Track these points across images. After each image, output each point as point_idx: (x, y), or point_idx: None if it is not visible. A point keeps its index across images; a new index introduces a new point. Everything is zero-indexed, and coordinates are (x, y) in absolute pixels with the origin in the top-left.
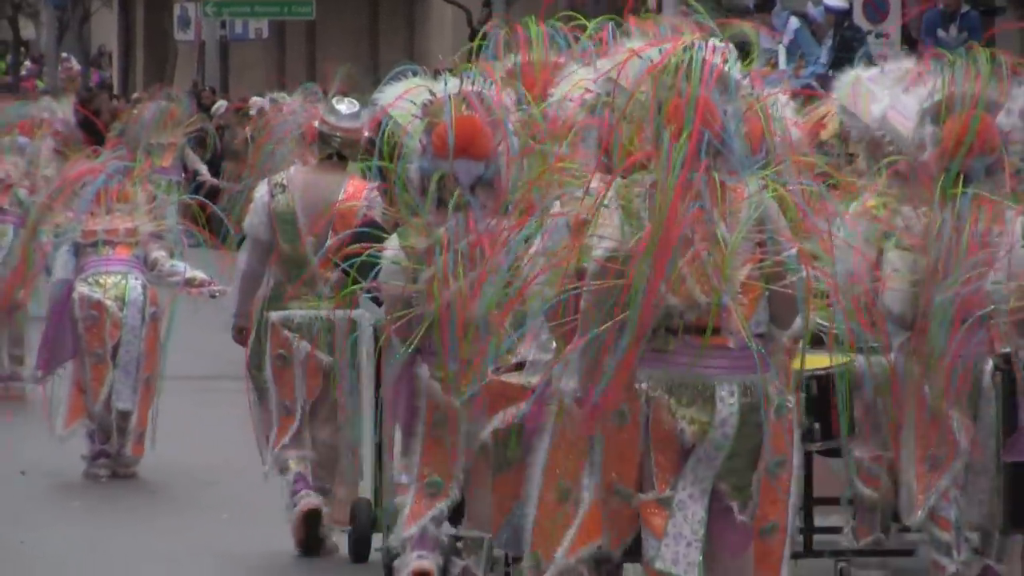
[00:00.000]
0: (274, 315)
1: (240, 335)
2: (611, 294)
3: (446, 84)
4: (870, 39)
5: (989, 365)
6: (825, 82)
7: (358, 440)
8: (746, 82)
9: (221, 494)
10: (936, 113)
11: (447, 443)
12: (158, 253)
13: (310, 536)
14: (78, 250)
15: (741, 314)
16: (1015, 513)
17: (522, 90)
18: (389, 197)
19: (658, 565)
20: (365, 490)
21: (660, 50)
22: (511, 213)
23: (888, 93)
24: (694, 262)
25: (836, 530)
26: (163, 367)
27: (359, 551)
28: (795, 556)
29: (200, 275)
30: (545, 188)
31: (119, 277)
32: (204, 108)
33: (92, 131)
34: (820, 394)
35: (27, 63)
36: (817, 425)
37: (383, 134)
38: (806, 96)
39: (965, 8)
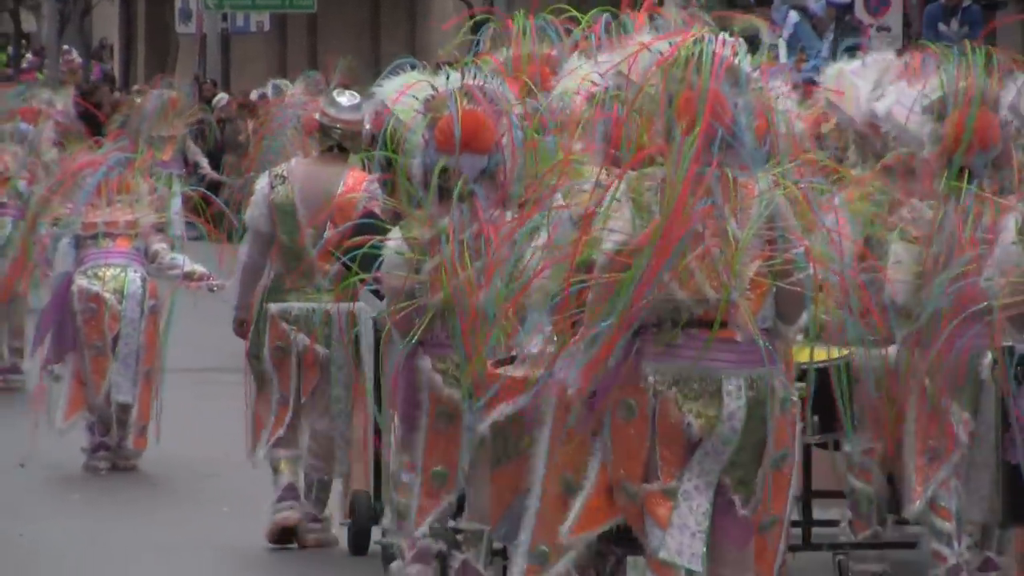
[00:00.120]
0: (273, 307)
1: (241, 327)
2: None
3: (447, 78)
4: (871, 32)
5: (987, 359)
6: None
7: (348, 429)
8: (756, 75)
9: (221, 487)
10: (936, 110)
11: (450, 435)
12: (159, 245)
13: (281, 542)
14: (78, 242)
15: (748, 309)
16: (1015, 507)
17: (529, 83)
18: (390, 188)
19: (662, 555)
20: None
21: (670, 43)
22: (516, 206)
23: (894, 89)
24: (704, 257)
25: (834, 523)
26: (164, 360)
27: (358, 544)
28: (793, 549)
29: (199, 269)
30: (553, 182)
31: (118, 270)
32: (205, 101)
33: (93, 123)
34: (819, 387)
35: (28, 56)
36: (816, 418)
37: (386, 131)
38: (808, 89)
39: (967, 2)
